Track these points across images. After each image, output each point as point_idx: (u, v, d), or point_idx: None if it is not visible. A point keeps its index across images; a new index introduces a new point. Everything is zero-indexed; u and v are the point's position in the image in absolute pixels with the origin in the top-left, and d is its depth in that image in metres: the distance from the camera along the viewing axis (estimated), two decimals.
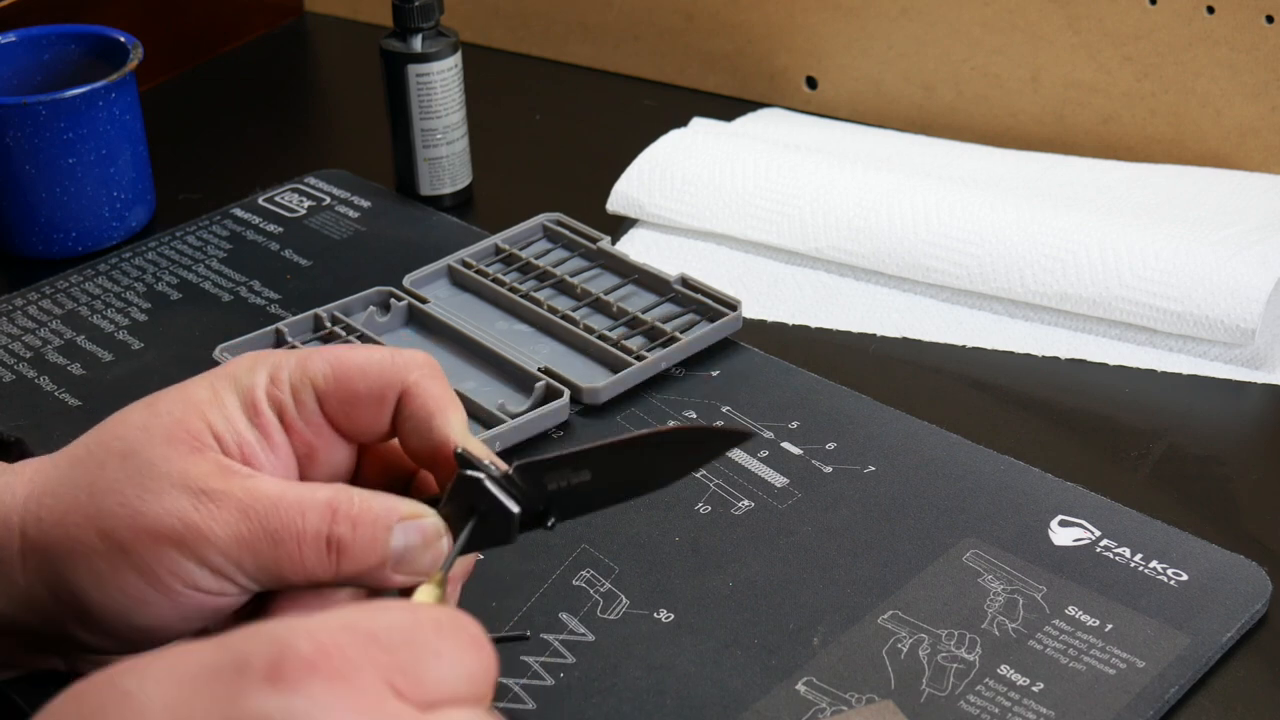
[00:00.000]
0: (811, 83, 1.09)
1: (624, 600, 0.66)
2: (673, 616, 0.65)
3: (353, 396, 0.56)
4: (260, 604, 0.56)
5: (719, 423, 0.71)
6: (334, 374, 0.56)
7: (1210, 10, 0.94)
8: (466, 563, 0.57)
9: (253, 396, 0.55)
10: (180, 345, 0.84)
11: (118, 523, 0.51)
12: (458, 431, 0.56)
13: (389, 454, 0.59)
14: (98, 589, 0.52)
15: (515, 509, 0.55)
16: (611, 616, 0.65)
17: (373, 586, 0.55)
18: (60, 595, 0.53)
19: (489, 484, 0.55)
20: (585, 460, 0.55)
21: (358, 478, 0.60)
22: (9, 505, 0.54)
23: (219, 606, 0.54)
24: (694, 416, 0.77)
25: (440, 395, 0.56)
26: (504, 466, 0.56)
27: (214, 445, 0.54)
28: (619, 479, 0.56)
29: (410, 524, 0.54)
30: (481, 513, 0.55)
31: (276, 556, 0.52)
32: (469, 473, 0.55)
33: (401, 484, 0.60)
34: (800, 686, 0.61)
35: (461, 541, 0.55)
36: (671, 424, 0.70)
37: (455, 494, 0.55)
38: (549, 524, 0.56)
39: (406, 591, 0.57)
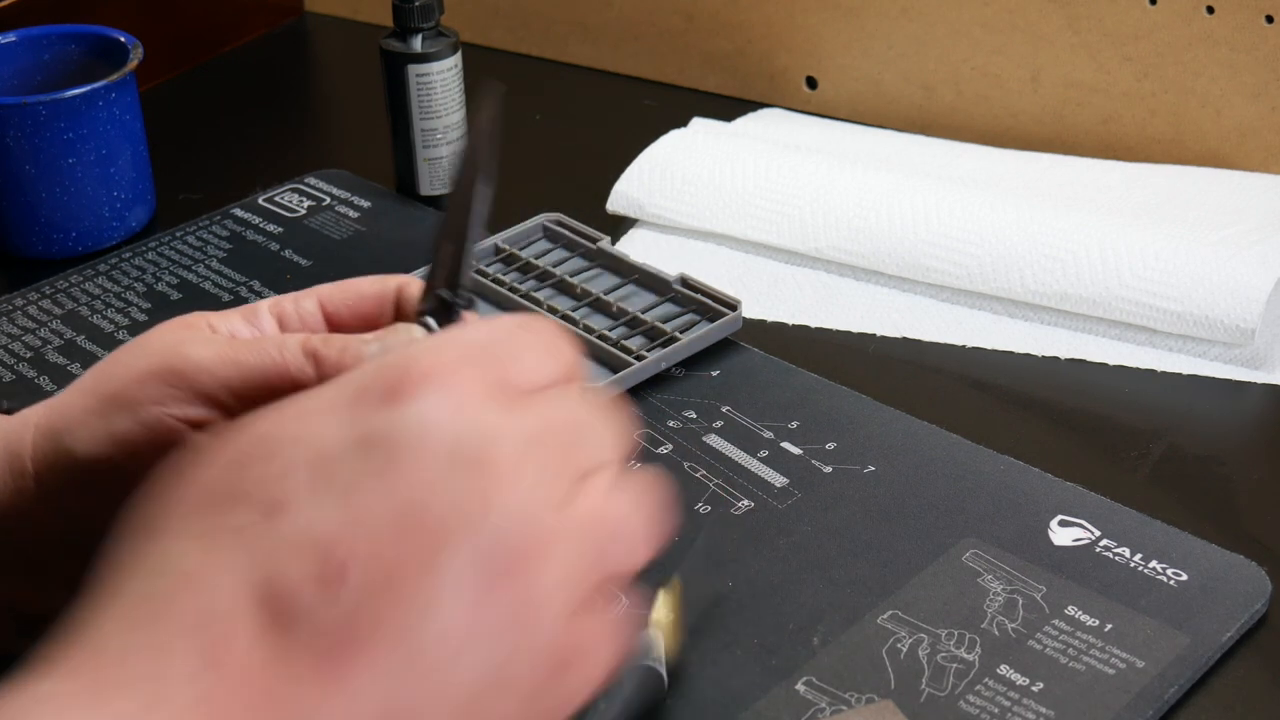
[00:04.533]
0: (811, 83, 1.09)
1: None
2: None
3: (357, 295, 0.57)
4: None
5: None
6: (338, 285, 0.57)
7: (1210, 10, 0.94)
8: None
9: (254, 308, 0.57)
10: None
11: (113, 381, 0.54)
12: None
13: None
14: (91, 445, 0.53)
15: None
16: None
17: None
18: (61, 499, 0.54)
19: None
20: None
21: None
22: (26, 417, 0.56)
23: None
24: (694, 416, 0.77)
25: None
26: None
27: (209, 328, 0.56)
28: None
29: (382, 331, 0.54)
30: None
31: (262, 363, 0.53)
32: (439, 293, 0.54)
33: None
34: (800, 686, 0.61)
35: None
36: None
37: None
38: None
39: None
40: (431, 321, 0.53)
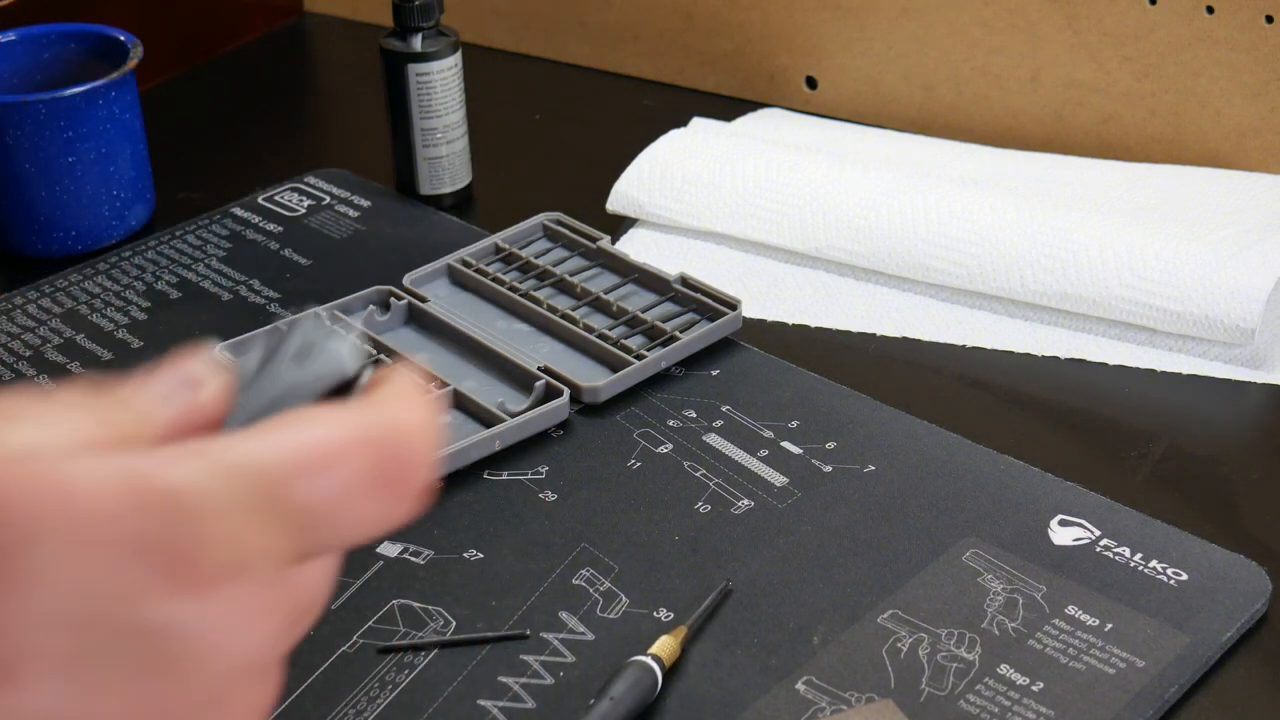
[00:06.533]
0: (811, 83, 1.09)
1: (624, 599, 0.66)
2: (672, 616, 0.65)
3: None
4: None
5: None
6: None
7: (1210, 10, 0.94)
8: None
9: None
10: (179, 344, 0.84)
11: None
12: None
13: None
14: None
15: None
16: (611, 616, 0.65)
17: None
18: None
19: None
20: None
21: None
22: None
23: None
24: (694, 416, 0.77)
25: None
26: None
27: None
28: None
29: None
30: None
31: None
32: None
33: None
34: (800, 686, 0.61)
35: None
36: None
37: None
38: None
39: None
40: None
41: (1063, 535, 0.68)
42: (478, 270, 0.87)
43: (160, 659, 0.31)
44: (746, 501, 0.71)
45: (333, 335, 0.38)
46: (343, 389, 0.37)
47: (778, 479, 0.73)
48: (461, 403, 0.77)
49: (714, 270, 0.90)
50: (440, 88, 0.95)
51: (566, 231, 0.90)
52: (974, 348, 0.84)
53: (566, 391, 0.77)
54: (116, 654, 0.30)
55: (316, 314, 0.38)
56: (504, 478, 0.73)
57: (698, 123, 1.03)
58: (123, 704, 0.31)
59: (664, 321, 0.82)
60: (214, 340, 0.81)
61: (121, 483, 0.31)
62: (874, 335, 0.85)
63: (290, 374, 0.37)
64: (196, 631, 0.31)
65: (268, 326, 0.82)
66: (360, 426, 0.34)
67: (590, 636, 0.64)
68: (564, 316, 0.83)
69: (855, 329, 0.86)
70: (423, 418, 0.35)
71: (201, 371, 0.36)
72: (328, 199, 0.98)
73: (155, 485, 0.31)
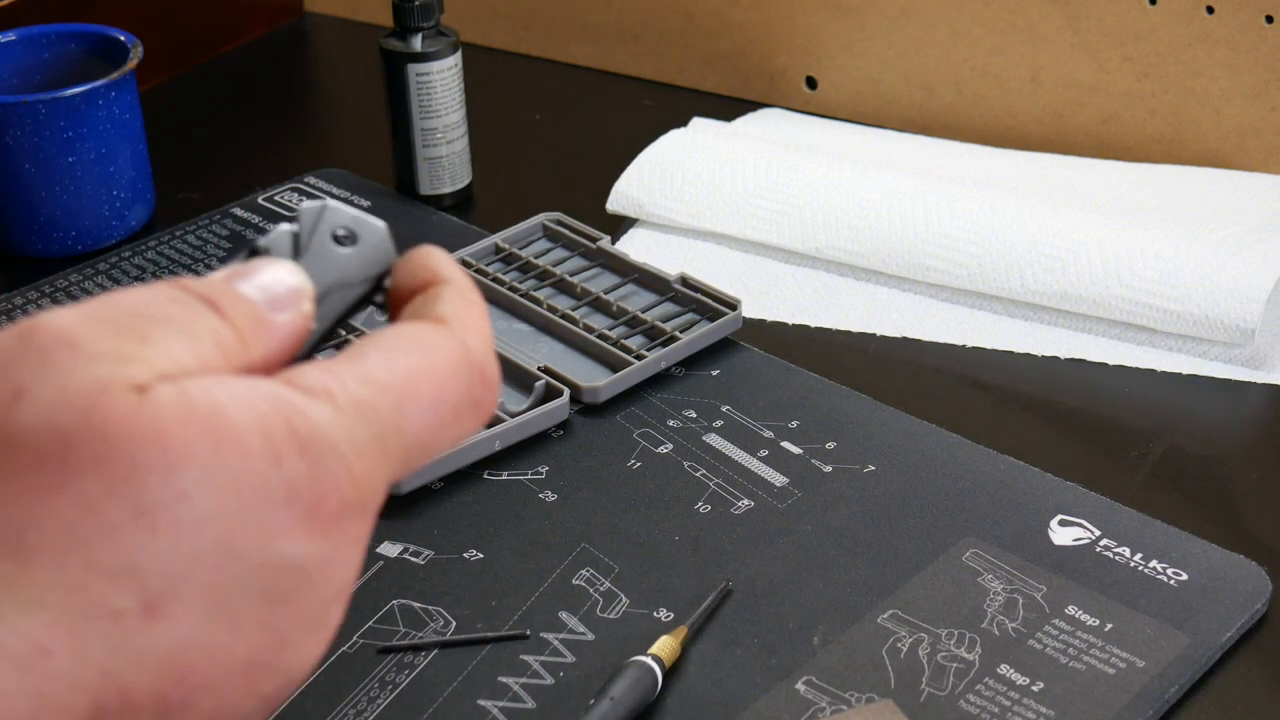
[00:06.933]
0: (811, 83, 1.09)
1: (624, 599, 0.66)
2: (672, 616, 0.65)
3: None
4: None
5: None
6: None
7: (1210, 10, 0.94)
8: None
9: None
10: None
11: None
12: None
13: None
14: None
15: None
16: (611, 616, 0.65)
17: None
18: None
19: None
20: None
21: None
22: None
23: None
24: (694, 416, 0.77)
25: None
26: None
27: None
28: None
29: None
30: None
31: None
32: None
33: None
34: (800, 686, 0.61)
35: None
36: None
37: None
38: None
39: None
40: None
41: (1063, 535, 0.68)
42: (478, 270, 0.87)
43: (283, 589, 0.33)
44: (746, 501, 0.71)
45: (366, 216, 0.38)
46: (383, 275, 0.37)
47: (778, 479, 0.73)
48: None
49: (714, 270, 0.90)
50: (440, 88, 0.95)
51: (566, 231, 0.90)
52: (974, 348, 0.84)
53: (566, 391, 0.77)
54: (248, 587, 0.32)
55: (333, 203, 0.39)
56: (504, 478, 0.73)
57: (698, 123, 1.03)
58: (246, 631, 0.32)
59: (664, 321, 0.82)
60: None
61: (267, 424, 0.32)
62: (874, 335, 0.85)
63: (340, 259, 0.37)
64: (317, 564, 0.33)
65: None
66: (457, 351, 0.36)
67: (590, 636, 0.64)
68: (564, 316, 0.83)
69: (855, 329, 0.86)
70: (488, 326, 0.37)
71: (297, 282, 0.36)
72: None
73: (299, 431, 0.32)
